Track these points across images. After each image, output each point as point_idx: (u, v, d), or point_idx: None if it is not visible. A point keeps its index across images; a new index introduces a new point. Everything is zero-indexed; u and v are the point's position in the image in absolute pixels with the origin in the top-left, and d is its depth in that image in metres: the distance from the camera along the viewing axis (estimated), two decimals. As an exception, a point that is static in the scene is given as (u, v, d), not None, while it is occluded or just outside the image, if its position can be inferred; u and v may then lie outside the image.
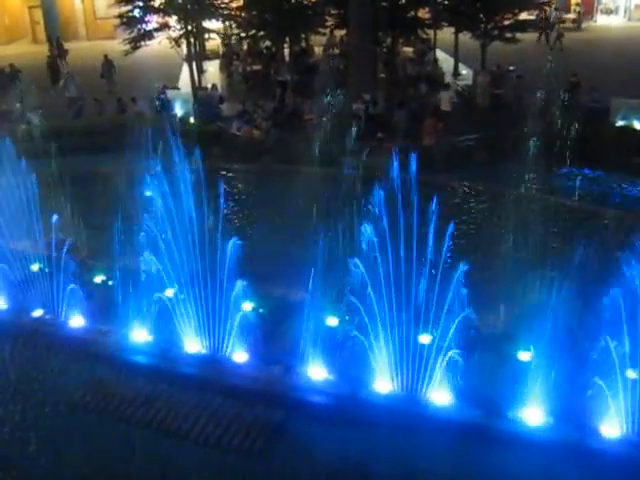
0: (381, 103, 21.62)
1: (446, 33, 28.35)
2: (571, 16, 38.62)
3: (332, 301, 9.68)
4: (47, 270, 11.08)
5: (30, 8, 43.54)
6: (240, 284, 9.32)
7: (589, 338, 8.17)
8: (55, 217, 11.15)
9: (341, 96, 21.06)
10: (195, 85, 25.81)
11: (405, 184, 9.26)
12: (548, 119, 17.92)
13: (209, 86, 25.17)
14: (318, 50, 31.51)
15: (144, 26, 25.89)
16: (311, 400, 8.82)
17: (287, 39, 27.58)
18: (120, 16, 26.30)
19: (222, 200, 9.76)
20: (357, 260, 8.66)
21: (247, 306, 9.88)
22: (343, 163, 14.47)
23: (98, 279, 11.58)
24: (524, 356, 8.99)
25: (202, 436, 8.41)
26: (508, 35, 26.05)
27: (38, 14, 42.78)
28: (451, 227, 8.45)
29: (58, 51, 33.02)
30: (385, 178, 9.60)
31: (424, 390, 8.60)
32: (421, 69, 26.85)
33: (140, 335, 10.01)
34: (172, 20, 25.79)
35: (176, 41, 25.42)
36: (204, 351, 9.76)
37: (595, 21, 40.82)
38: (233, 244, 9.33)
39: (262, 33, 27.30)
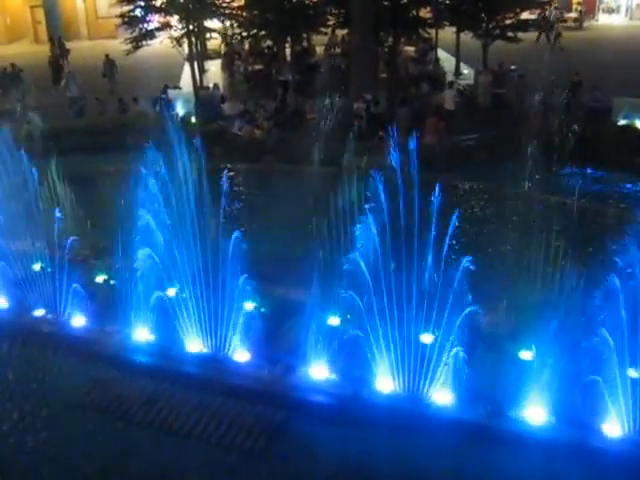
0: (382, 102, 21.60)
1: (448, 32, 28.29)
2: (573, 15, 38.64)
3: (334, 300, 9.67)
4: (49, 270, 11.07)
5: (32, 8, 43.57)
6: (242, 283, 9.31)
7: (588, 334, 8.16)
8: (57, 216, 11.13)
9: (342, 96, 21.05)
10: (197, 85, 25.77)
11: (406, 183, 9.23)
12: (550, 118, 17.89)
13: (211, 86, 25.17)
14: (320, 50, 31.49)
15: (146, 25, 25.88)
16: (313, 400, 8.81)
17: (289, 39, 27.52)
18: (122, 15, 26.29)
19: (223, 200, 9.75)
20: (358, 259, 8.63)
21: (249, 305, 9.89)
22: (344, 163, 14.45)
23: (100, 278, 11.60)
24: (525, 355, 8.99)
25: (204, 435, 8.41)
26: (510, 34, 26.02)
27: (40, 14, 42.87)
28: (452, 227, 8.41)
29: (60, 51, 32.98)
30: (386, 177, 9.57)
31: (427, 390, 8.58)
32: (423, 68, 26.87)
33: (142, 334, 10.02)
34: (174, 19, 25.76)
35: (178, 41, 25.40)
36: (206, 350, 9.76)
37: (597, 20, 40.83)
38: (234, 243, 9.32)
39: (263, 33, 27.23)
